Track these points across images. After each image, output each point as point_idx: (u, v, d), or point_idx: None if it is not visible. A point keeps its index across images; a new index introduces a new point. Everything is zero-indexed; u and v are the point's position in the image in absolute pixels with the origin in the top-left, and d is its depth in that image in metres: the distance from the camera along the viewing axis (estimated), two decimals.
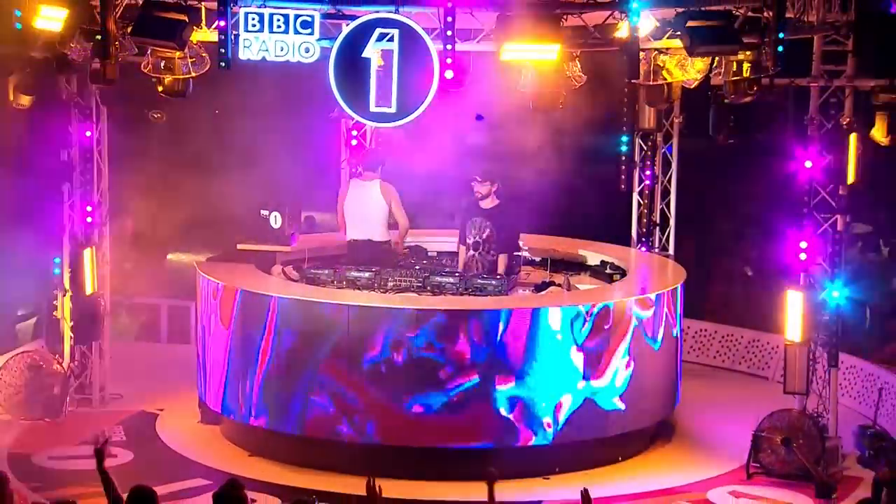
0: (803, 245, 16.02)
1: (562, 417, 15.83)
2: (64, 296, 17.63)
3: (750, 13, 15.16)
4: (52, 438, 16.56)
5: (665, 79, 15.77)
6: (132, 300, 20.69)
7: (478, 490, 10.65)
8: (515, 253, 17.63)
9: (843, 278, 16.29)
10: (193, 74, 15.31)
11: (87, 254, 17.55)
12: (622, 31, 14.77)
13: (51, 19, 14.89)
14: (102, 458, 9.67)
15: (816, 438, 15.81)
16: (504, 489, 14.61)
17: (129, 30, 14.88)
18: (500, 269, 17.19)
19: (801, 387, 16.15)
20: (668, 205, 19.71)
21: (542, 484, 15.51)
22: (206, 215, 19.09)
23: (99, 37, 14.58)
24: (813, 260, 16.11)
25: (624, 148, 19.92)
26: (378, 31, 14.77)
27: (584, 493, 9.76)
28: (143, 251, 20.28)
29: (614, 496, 14.86)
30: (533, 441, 15.83)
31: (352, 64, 14.96)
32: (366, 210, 17.72)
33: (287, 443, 16.21)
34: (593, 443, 16.22)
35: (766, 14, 14.88)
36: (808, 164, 16.03)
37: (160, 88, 15.56)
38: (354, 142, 19.90)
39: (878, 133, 16.05)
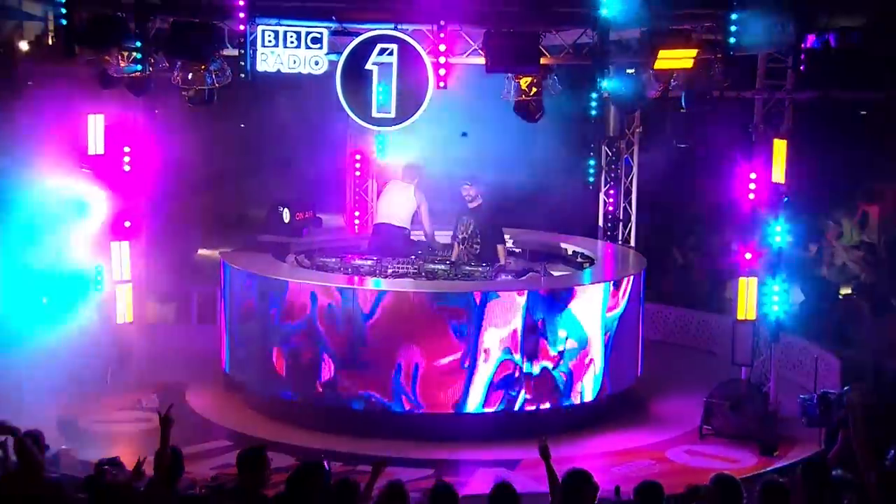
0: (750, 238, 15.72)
1: None
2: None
3: (704, 35, 14.72)
4: (96, 405, 15.95)
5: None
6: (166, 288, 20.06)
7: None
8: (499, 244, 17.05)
9: (782, 268, 15.81)
10: (217, 86, 14.76)
11: (121, 246, 16.94)
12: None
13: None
14: (168, 426, 9.11)
15: (760, 404, 15.57)
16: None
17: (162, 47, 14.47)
18: (502, 258, 16.92)
19: (747, 359, 15.94)
20: (630, 203, 19.26)
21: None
22: (233, 212, 18.51)
23: (136, 54, 14.07)
24: (758, 252, 15.70)
25: (592, 153, 19.58)
26: (379, 45, 14.54)
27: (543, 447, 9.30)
28: (178, 245, 19.61)
29: (584, 454, 14.39)
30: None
31: (356, 75, 14.73)
32: (395, 203, 17.53)
33: (302, 408, 15.82)
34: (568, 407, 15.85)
35: (717, 35, 14.45)
36: (753, 170, 15.68)
37: (188, 99, 15.02)
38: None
39: None
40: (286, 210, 17.22)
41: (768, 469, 14.04)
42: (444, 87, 14.46)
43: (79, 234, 16.61)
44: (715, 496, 8.28)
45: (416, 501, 9.09)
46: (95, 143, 16.52)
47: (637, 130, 18.99)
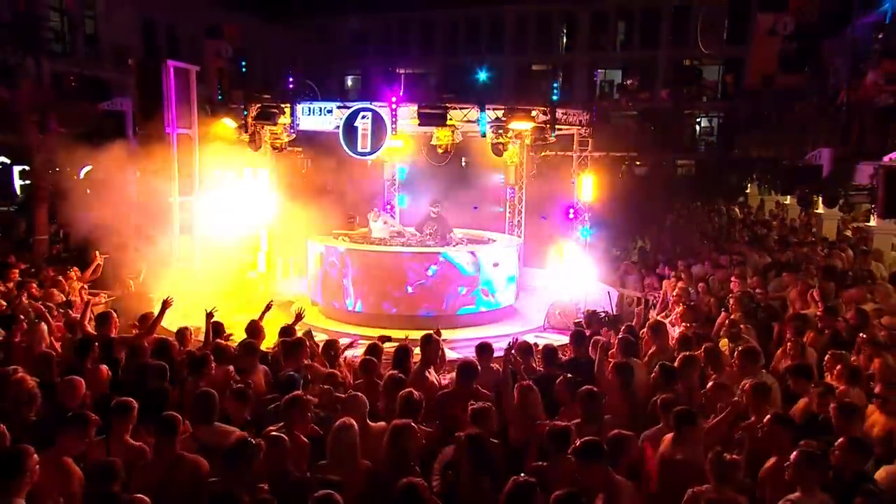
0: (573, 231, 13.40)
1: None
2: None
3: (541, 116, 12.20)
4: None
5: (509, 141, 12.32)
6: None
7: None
8: (450, 235, 14.45)
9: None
10: (286, 140, 12.23)
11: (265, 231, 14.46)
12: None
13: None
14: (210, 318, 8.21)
15: (572, 313, 12.91)
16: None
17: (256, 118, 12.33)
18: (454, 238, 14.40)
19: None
20: (522, 217, 16.28)
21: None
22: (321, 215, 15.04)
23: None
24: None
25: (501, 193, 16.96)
26: (361, 113, 12.21)
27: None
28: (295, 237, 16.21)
29: (489, 335, 11.53)
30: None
31: (350, 129, 12.35)
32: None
33: (350, 314, 13.04)
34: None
35: (549, 116, 11.96)
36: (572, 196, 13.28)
37: (275, 147, 12.35)
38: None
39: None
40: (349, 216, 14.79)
41: None
42: (395, 132, 11.59)
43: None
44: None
45: None
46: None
47: (522, 181, 16.05)
